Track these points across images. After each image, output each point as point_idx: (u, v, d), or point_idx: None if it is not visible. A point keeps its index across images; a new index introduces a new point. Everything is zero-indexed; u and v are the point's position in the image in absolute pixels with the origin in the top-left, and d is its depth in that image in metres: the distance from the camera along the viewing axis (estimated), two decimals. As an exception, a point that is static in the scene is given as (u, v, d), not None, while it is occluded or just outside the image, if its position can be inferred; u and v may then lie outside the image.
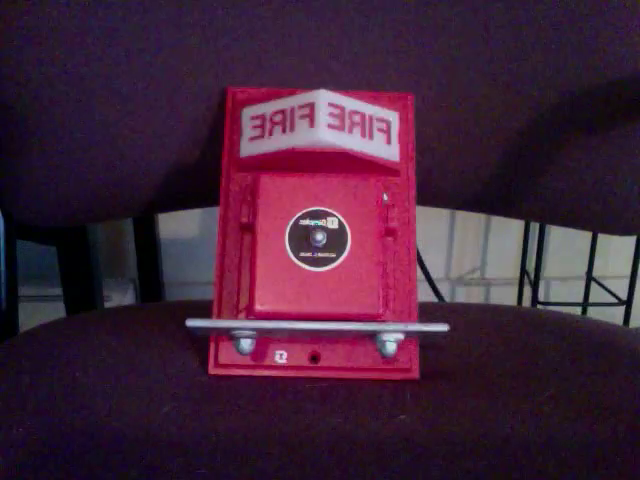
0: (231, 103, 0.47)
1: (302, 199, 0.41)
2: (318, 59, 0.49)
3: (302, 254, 0.40)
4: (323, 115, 0.43)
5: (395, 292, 0.43)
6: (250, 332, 0.39)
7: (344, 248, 0.40)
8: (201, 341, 0.43)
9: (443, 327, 0.38)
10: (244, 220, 0.42)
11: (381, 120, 0.46)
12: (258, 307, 0.39)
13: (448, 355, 0.44)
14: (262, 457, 0.34)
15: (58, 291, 0.86)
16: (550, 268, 1.26)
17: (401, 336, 0.39)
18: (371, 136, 0.44)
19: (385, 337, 0.39)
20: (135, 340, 0.45)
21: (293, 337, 0.42)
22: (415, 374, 0.42)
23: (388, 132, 0.45)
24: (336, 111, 0.44)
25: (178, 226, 1.20)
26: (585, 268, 1.19)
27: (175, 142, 0.50)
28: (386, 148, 0.45)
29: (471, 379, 0.41)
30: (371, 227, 0.41)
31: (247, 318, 0.41)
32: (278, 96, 0.46)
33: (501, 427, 0.36)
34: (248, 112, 0.46)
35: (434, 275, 1.13)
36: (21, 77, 0.48)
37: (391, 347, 0.39)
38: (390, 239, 0.43)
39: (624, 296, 1.13)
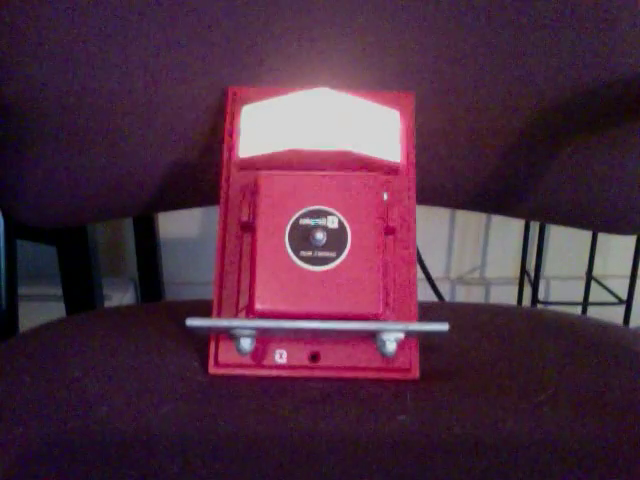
0: (231, 103, 0.47)
1: (302, 198, 0.41)
2: (318, 58, 0.49)
3: (302, 253, 0.40)
4: (323, 114, 0.43)
5: (395, 292, 0.42)
6: (250, 331, 0.39)
7: (344, 247, 0.40)
8: (201, 341, 0.43)
9: (443, 327, 0.38)
10: (244, 219, 0.42)
11: (382, 119, 0.45)
12: (258, 306, 0.39)
13: (448, 355, 0.44)
14: (262, 457, 0.34)
15: (58, 291, 0.86)
16: (550, 268, 1.26)
17: (401, 336, 0.39)
18: (372, 135, 0.44)
19: (385, 337, 0.39)
20: (135, 340, 0.45)
21: (293, 336, 0.42)
22: (415, 374, 0.41)
23: (389, 131, 0.45)
24: (336, 110, 0.44)
25: (178, 226, 1.20)
26: (585, 268, 1.19)
27: (175, 142, 0.50)
28: (387, 147, 0.45)
29: (471, 379, 0.41)
30: (371, 226, 0.41)
31: (247, 317, 0.41)
32: (278, 95, 0.46)
33: (501, 427, 0.36)
34: (248, 111, 0.46)
35: (434, 275, 1.13)
36: (21, 77, 0.48)
37: (391, 347, 0.39)
38: (390, 238, 0.43)
39: (624, 296, 1.13)
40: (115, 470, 0.33)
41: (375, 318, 0.40)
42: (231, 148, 0.46)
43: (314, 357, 0.42)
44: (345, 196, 0.41)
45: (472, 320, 0.50)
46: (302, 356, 0.42)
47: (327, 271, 0.40)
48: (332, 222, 0.41)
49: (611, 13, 0.48)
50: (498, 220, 1.23)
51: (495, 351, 0.45)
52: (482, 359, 0.44)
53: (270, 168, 0.43)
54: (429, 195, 0.53)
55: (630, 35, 0.48)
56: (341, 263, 0.40)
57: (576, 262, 1.24)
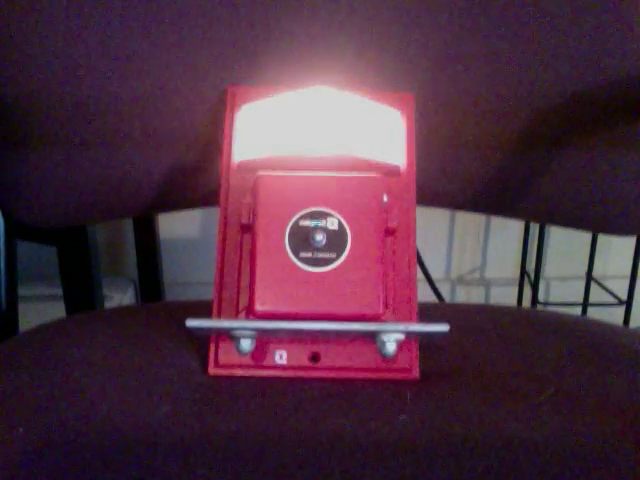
0: (231, 103, 0.47)
1: (302, 199, 0.41)
2: (318, 59, 0.49)
3: (302, 254, 0.40)
4: (324, 113, 0.43)
5: (395, 292, 0.43)
6: (250, 332, 0.39)
7: (344, 248, 0.40)
8: (201, 341, 0.43)
9: (443, 327, 0.38)
10: (244, 221, 0.42)
11: (383, 119, 0.46)
12: (258, 307, 0.39)
13: (448, 355, 0.44)
14: (262, 457, 0.34)
15: (58, 291, 0.86)
16: (550, 268, 1.26)
17: (401, 336, 0.39)
18: (373, 135, 0.44)
19: (385, 337, 0.39)
20: (135, 340, 0.45)
21: (293, 337, 0.42)
22: (415, 374, 0.42)
23: (389, 132, 0.45)
24: (337, 109, 0.44)
25: (178, 226, 1.20)
26: (585, 268, 1.19)
27: (175, 142, 0.50)
28: (387, 148, 0.45)
29: (471, 379, 0.41)
30: (371, 227, 0.41)
31: (247, 318, 0.41)
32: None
33: (501, 427, 0.36)
34: (247, 111, 0.46)
35: (434, 275, 1.13)
36: (21, 77, 0.48)
37: (391, 347, 0.39)
38: (390, 239, 0.43)
39: (624, 296, 1.13)
40: (115, 470, 0.33)
41: (375, 319, 0.40)
42: (231, 148, 0.46)
43: (314, 358, 0.42)
44: (345, 197, 0.41)
45: (472, 321, 0.50)
46: (302, 357, 0.42)
47: (327, 272, 0.40)
48: (332, 223, 0.41)
49: (611, 14, 0.48)
50: (498, 221, 1.23)
51: (495, 351, 0.45)
52: (482, 359, 0.44)
53: (270, 169, 0.43)
54: (429, 196, 0.53)
55: (630, 35, 0.48)
56: (341, 264, 0.40)
57: (576, 263, 1.24)
